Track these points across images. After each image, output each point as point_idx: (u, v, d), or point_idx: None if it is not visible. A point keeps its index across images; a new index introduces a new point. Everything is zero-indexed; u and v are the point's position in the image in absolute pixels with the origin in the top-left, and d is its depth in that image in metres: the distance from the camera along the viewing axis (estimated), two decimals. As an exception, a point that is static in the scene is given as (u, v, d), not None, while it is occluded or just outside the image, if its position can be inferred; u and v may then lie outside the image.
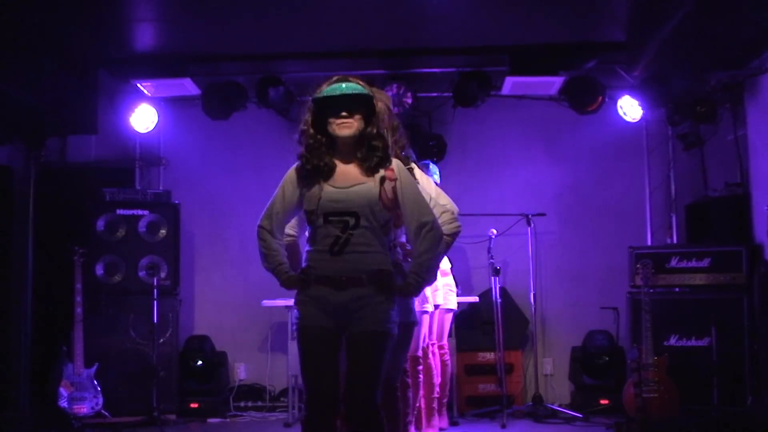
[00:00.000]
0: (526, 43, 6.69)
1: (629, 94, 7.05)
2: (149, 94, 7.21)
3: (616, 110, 7.17)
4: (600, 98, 7.01)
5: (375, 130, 3.34)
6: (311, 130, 3.34)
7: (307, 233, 3.43)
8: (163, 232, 7.02)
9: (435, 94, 7.43)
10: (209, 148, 7.74)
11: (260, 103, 7.16)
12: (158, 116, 7.33)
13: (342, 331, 3.27)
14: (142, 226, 6.98)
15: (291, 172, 3.41)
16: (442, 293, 5.77)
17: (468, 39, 6.66)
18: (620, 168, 7.57)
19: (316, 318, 3.26)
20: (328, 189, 3.28)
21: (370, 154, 3.31)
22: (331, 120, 3.29)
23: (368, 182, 3.29)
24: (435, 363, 5.70)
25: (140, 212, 7.00)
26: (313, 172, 3.30)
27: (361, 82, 3.35)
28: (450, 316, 6.04)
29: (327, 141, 3.33)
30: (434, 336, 5.73)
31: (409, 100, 7.02)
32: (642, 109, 7.05)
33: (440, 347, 5.90)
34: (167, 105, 7.55)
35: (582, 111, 7.15)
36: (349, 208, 3.24)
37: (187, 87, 7.04)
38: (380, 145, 3.34)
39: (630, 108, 7.10)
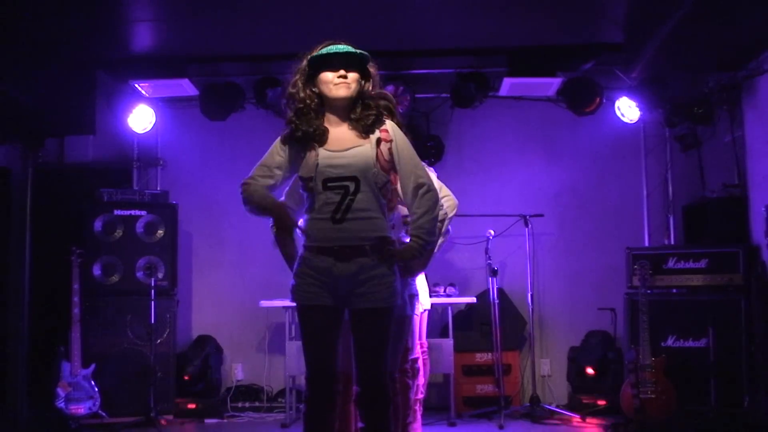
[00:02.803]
0: (524, 45, 6.70)
1: (627, 96, 7.06)
2: (147, 95, 7.21)
3: (614, 111, 7.18)
4: (597, 99, 7.02)
5: (370, 89, 3.31)
6: (303, 92, 3.28)
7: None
8: (160, 232, 7.02)
9: (433, 95, 7.43)
10: (207, 149, 7.75)
11: (258, 104, 7.16)
12: (156, 117, 7.33)
13: (343, 306, 3.25)
14: (139, 226, 6.98)
15: (277, 142, 3.36)
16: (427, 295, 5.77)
17: (466, 40, 6.66)
18: (618, 169, 7.58)
19: (317, 296, 3.22)
20: (324, 153, 3.22)
21: (365, 113, 3.27)
22: (327, 80, 3.24)
23: (364, 144, 3.24)
24: (424, 363, 5.69)
25: (138, 213, 7.00)
26: (305, 137, 3.25)
27: (346, 44, 3.32)
28: (426, 314, 6.04)
29: (316, 105, 3.28)
30: (423, 336, 5.73)
31: (407, 101, 7.02)
32: (639, 110, 7.06)
33: (421, 345, 5.89)
34: (165, 105, 7.56)
35: (580, 112, 7.16)
36: (348, 173, 3.19)
37: (185, 87, 7.04)
38: (374, 103, 3.30)
39: (627, 109, 7.11)
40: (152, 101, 7.30)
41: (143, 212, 7.01)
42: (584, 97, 7.06)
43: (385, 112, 3.33)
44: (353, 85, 3.26)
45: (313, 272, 3.22)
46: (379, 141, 3.26)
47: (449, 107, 7.40)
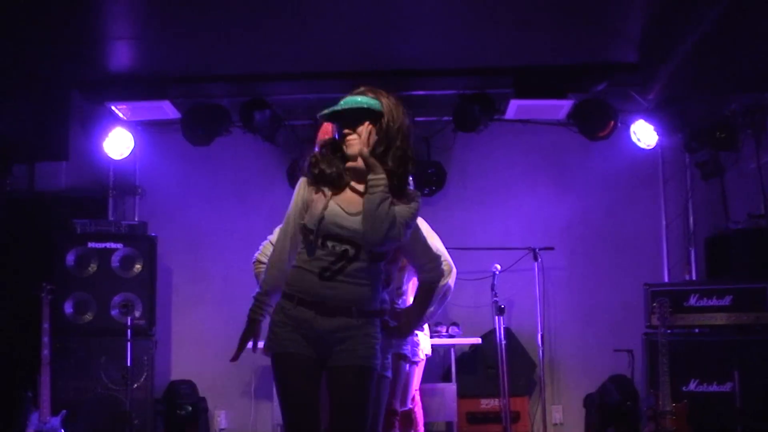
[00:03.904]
0: (532, 64, 6.73)
1: (643, 119, 7.10)
2: (125, 118, 7.22)
3: (629, 136, 7.22)
4: (612, 123, 7.05)
5: (383, 149, 3.18)
6: (328, 139, 3.31)
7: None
8: (138, 267, 7.00)
9: (434, 118, 7.46)
10: (189, 176, 7.76)
11: (245, 128, 7.18)
12: (134, 141, 7.34)
13: (323, 363, 3.21)
14: (115, 260, 6.97)
15: (301, 181, 3.31)
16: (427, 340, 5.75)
17: (469, 59, 6.70)
18: (634, 198, 7.60)
19: (296, 344, 3.18)
20: (334, 208, 3.18)
21: (399, 162, 3.22)
22: (342, 137, 3.24)
23: None
24: (417, 413, 5.67)
25: (113, 245, 6.99)
26: (320, 177, 3.21)
27: (382, 94, 3.25)
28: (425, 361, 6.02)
29: (341, 156, 3.25)
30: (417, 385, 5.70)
31: (406, 125, 7.04)
32: (657, 134, 7.09)
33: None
34: (144, 129, 7.58)
35: (592, 137, 7.19)
36: (352, 238, 3.15)
37: (166, 110, 7.06)
38: (396, 170, 3.20)
39: (644, 134, 7.14)
40: (130, 125, 7.32)
41: (119, 245, 7.00)
42: (597, 121, 7.09)
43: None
44: (363, 136, 3.17)
45: (292, 322, 3.20)
46: None
47: (451, 131, 7.43)
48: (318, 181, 3.22)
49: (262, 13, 5.67)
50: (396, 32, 6.10)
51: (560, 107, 6.99)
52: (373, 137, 3.18)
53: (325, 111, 3.23)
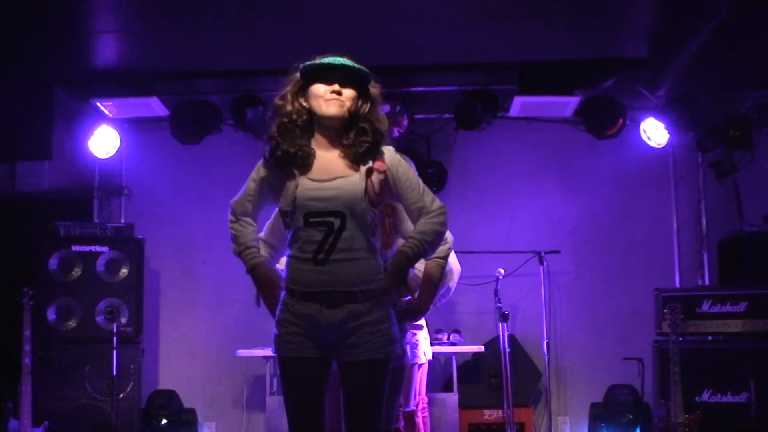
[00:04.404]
0: (538, 59, 6.74)
1: (653, 117, 7.10)
2: (111, 115, 7.22)
3: (639, 134, 7.23)
4: (620, 121, 7.06)
5: (368, 111, 3.25)
6: (291, 105, 3.24)
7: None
8: (124, 271, 7.00)
9: (435, 116, 7.47)
10: (178, 176, 7.76)
11: (237, 126, 7.19)
12: (120, 140, 7.35)
13: (331, 357, 3.22)
14: (100, 264, 6.96)
15: (259, 165, 3.34)
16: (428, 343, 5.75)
17: (472, 54, 6.70)
18: (644, 199, 7.60)
19: (302, 348, 3.18)
20: (305, 183, 3.16)
21: (358, 139, 3.21)
22: (318, 93, 3.20)
23: (352, 175, 3.18)
24: (424, 421, 5.67)
25: (99, 249, 6.98)
26: (284, 159, 3.20)
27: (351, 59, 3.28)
28: (427, 365, 6.03)
29: (304, 122, 3.23)
30: (423, 391, 5.71)
31: (406, 122, 7.05)
32: (668, 133, 7.10)
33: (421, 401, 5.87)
34: (131, 127, 7.58)
35: (600, 135, 7.19)
36: (332, 207, 3.13)
37: (154, 107, 7.06)
38: (370, 128, 3.23)
39: (654, 132, 7.15)
40: (116, 122, 7.32)
41: (105, 248, 6.99)
42: (605, 119, 7.09)
43: (380, 138, 3.29)
44: (347, 104, 3.20)
45: (296, 320, 3.18)
46: (370, 171, 3.20)
47: (453, 129, 7.43)
48: (283, 165, 3.21)
49: (255, 4, 5.67)
50: (395, 25, 6.10)
51: (567, 104, 7.00)
52: (352, 107, 3.23)
53: (323, 61, 3.22)
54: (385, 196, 3.27)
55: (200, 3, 5.65)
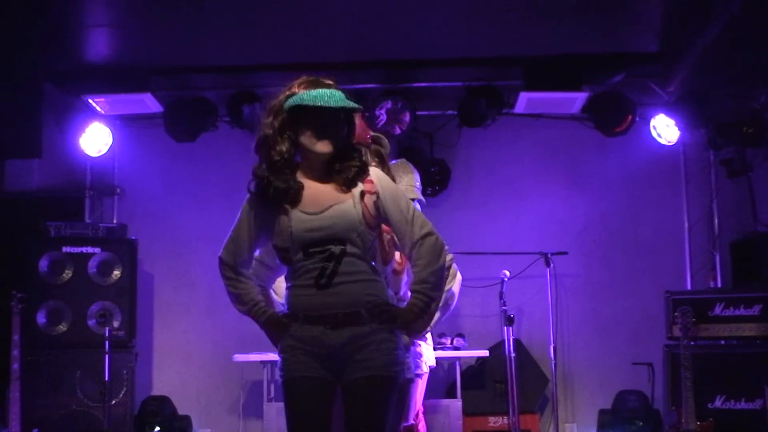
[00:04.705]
0: (544, 54, 6.74)
1: (664, 113, 7.10)
2: (103, 112, 7.22)
3: (649, 132, 7.22)
4: (629, 117, 7.05)
5: (353, 135, 3.30)
6: (280, 142, 3.21)
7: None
8: (117, 273, 6.99)
9: (437, 113, 7.46)
10: (172, 174, 7.75)
11: (233, 122, 7.18)
12: (113, 137, 7.34)
13: (336, 379, 3.20)
14: (92, 266, 6.95)
15: (245, 206, 3.32)
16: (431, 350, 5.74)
17: (476, 49, 6.69)
18: (654, 199, 7.59)
19: (306, 367, 3.17)
20: (299, 216, 3.17)
21: (346, 164, 3.24)
22: (310, 134, 3.19)
23: (346, 200, 3.20)
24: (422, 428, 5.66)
25: (90, 250, 6.97)
26: (276, 196, 3.19)
27: (333, 84, 3.29)
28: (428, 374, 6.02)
29: (291, 156, 3.22)
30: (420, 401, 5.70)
31: (407, 119, 7.04)
32: (679, 130, 7.09)
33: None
34: (123, 124, 7.57)
35: (609, 132, 7.19)
36: (331, 235, 3.15)
37: (148, 103, 7.05)
38: (355, 153, 3.28)
39: (665, 129, 7.14)
40: (109, 119, 7.32)
41: (97, 249, 6.98)
42: (614, 115, 7.09)
43: (375, 159, 3.33)
44: (337, 138, 3.23)
45: (300, 343, 3.19)
46: (363, 194, 3.22)
47: (456, 126, 7.42)
48: (275, 203, 3.22)
49: (251, -2, 5.68)
50: (397, 19, 6.09)
51: (574, 100, 6.99)
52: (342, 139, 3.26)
53: (313, 102, 3.19)
54: (380, 217, 3.28)
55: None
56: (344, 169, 3.23)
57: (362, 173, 3.26)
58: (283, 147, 3.21)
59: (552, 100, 7.01)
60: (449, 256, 4.07)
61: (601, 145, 7.44)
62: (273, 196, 3.20)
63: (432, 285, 3.24)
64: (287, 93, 3.26)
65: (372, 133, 3.36)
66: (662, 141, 7.21)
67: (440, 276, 3.29)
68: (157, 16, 5.95)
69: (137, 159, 7.73)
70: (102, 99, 7.03)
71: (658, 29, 6.26)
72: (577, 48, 6.65)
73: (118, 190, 7.78)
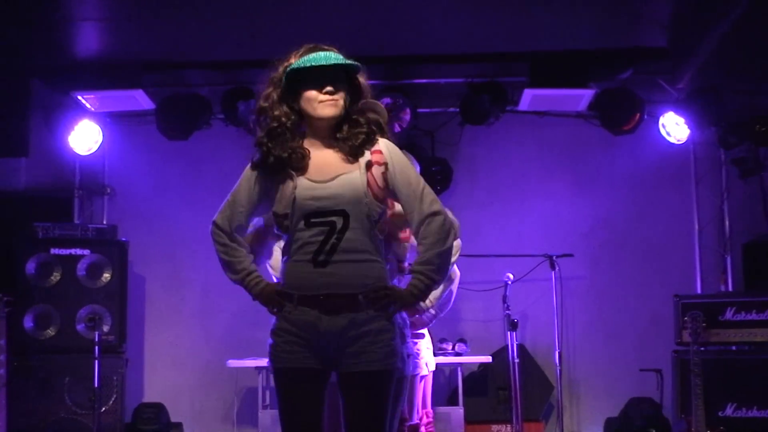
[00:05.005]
0: (549, 50, 6.73)
1: (673, 111, 7.09)
2: (92, 109, 7.21)
3: (658, 130, 7.21)
4: (638, 115, 7.04)
5: (359, 102, 3.28)
6: (278, 109, 3.22)
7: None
8: (106, 276, 6.98)
9: (439, 110, 7.46)
10: (165, 173, 7.75)
11: (227, 120, 7.17)
12: (103, 135, 7.33)
13: (330, 368, 3.20)
14: (81, 268, 6.94)
15: (247, 171, 3.31)
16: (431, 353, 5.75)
17: (479, 44, 6.69)
18: (663, 199, 7.60)
19: (299, 357, 3.16)
20: (303, 183, 3.17)
21: (352, 131, 3.23)
22: (310, 97, 3.19)
23: (352, 170, 3.19)
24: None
25: (79, 252, 6.96)
26: (278, 165, 3.19)
27: (334, 50, 3.28)
28: (431, 377, 6.03)
29: (293, 123, 3.23)
30: (428, 404, 5.70)
31: (408, 117, 7.03)
32: (689, 128, 7.08)
33: (426, 414, 5.87)
34: (114, 122, 7.56)
35: (616, 130, 7.18)
36: (334, 206, 3.14)
37: (139, 100, 7.05)
38: (363, 119, 3.26)
39: (674, 127, 7.13)
40: (99, 116, 7.30)
41: (86, 251, 6.97)
42: (622, 113, 7.08)
43: (375, 128, 3.31)
44: (341, 102, 3.21)
45: (294, 328, 3.16)
46: (369, 164, 3.21)
47: (458, 124, 7.41)
48: (277, 171, 3.21)
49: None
50: (396, 13, 6.09)
51: (580, 97, 6.99)
52: (346, 104, 3.24)
53: (308, 64, 3.19)
54: (388, 189, 3.26)
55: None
56: (350, 137, 3.22)
57: (369, 141, 3.24)
58: (282, 114, 3.21)
59: (557, 97, 7.01)
60: (457, 242, 4.06)
61: (608, 143, 7.44)
62: (273, 164, 3.19)
63: (436, 267, 3.22)
64: (285, 63, 3.27)
65: (365, 100, 3.33)
66: (671, 139, 7.20)
67: (445, 259, 3.26)
68: (149, 9, 5.95)
69: (128, 158, 7.73)
70: (92, 95, 7.02)
71: (667, 24, 6.25)
72: (583, 43, 6.65)
73: (108, 190, 7.77)
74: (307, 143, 3.26)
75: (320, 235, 3.14)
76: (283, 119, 3.21)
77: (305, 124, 3.27)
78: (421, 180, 3.29)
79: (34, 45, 6.39)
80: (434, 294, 4.48)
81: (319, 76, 3.19)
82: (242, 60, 6.88)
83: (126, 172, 7.75)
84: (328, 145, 3.25)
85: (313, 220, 3.15)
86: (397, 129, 6.98)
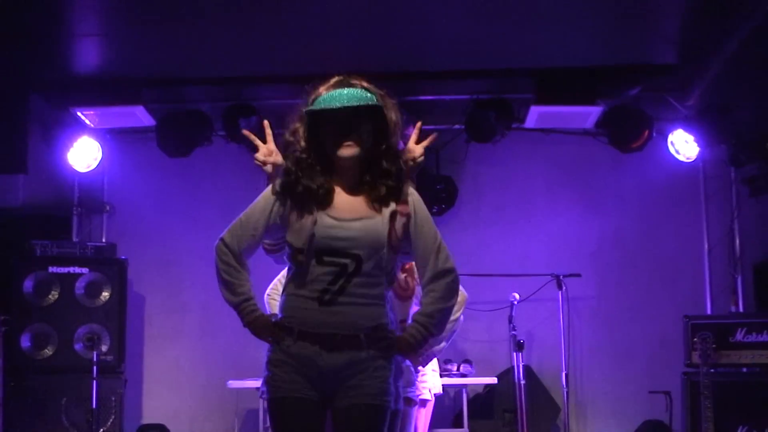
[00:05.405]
0: (556, 66, 6.73)
1: (682, 128, 7.09)
2: (92, 125, 7.22)
3: (667, 147, 7.21)
4: (646, 133, 7.04)
5: (386, 148, 3.22)
6: (306, 145, 3.19)
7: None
8: (105, 294, 6.97)
9: (444, 127, 7.42)
10: (165, 191, 7.75)
11: (228, 137, 7.16)
12: (102, 152, 7.33)
13: (327, 403, 3.17)
14: (79, 287, 6.93)
15: (267, 194, 3.26)
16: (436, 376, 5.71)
17: (485, 60, 6.69)
18: (672, 218, 7.59)
19: (297, 387, 3.14)
20: (325, 220, 3.14)
21: (380, 180, 3.19)
22: (328, 137, 3.16)
23: (376, 217, 3.17)
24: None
25: (78, 270, 6.96)
26: (305, 195, 3.16)
27: (365, 84, 3.24)
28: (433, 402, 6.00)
29: (322, 159, 3.20)
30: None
31: (408, 137, 7.02)
32: (698, 146, 7.07)
33: None
34: (113, 138, 7.56)
35: (624, 148, 7.17)
36: (350, 248, 3.12)
37: (139, 116, 7.05)
38: (393, 168, 3.22)
39: (683, 145, 7.12)
40: (98, 133, 7.31)
41: (84, 270, 6.97)
42: (630, 130, 7.08)
43: (401, 180, 3.23)
44: (360, 142, 3.17)
45: (292, 361, 3.15)
46: (393, 215, 3.19)
47: (464, 141, 7.41)
48: (302, 202, 3.18)
49: (248, 7, 5.66)
50: (400, 28, 6.09)
51: (588, 115, 6.98)
52: (368, 143, 3.20)
53: (319, 107, 3.16)
54: (405, 240, 3.24)
55: (190, 5, 5.63)
56: (375, 187, 3.20)
57: (395, 195, 3.21)
58: (307, 147, 3.19)
59: (564, 115, 7.00)
60: (462, 295, 4.07)
61: (617, 161, 7.43)
62: (301, 194, 3.17)
63: (436, 322, 3.24)
64: (313, 96, 3.23)
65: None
66: (681, 157, 7.19)
67: (446, 316, 3.28)
68: (150, 25, 5.95)
69: (128, 175, 7.73)
70: (91, 112, 7.03)
71: (676, 40, 6.26)
72: (591, 60, 6.65)
73: (108, 208, 7.77)
74: (334, 182, 3.22)
75: (330, 275, 3.12)
76: (312, 152, 3.19)
77: (333, 164, 3.22)
78: (439, 234, 3.28)
79: (33, 60, 6.40)
80: (438, 346, 4.49)
81: (335, 116, 3.16)
82: (243, 76, 6.89)
83: (125, 189, 7.75)
84: (354, 186, 3.22)
85: (325, 258, 3.13)
86: (401, 146, 6.96)
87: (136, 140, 7.57)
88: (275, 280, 4.36)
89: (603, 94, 6.83)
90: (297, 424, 3.16)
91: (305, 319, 3.14)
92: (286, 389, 3.15)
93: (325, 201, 3.17)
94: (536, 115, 6.98)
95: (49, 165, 7.31)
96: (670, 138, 7.17)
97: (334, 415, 3.17)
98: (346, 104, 3.13)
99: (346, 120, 3.15)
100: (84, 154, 7.27)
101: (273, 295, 4.35)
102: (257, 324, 3.23)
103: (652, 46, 6.46)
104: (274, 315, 3.26)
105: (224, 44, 6.30)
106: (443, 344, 4.59)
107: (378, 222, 3.16)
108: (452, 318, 3.88)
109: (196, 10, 5.71)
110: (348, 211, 3.17)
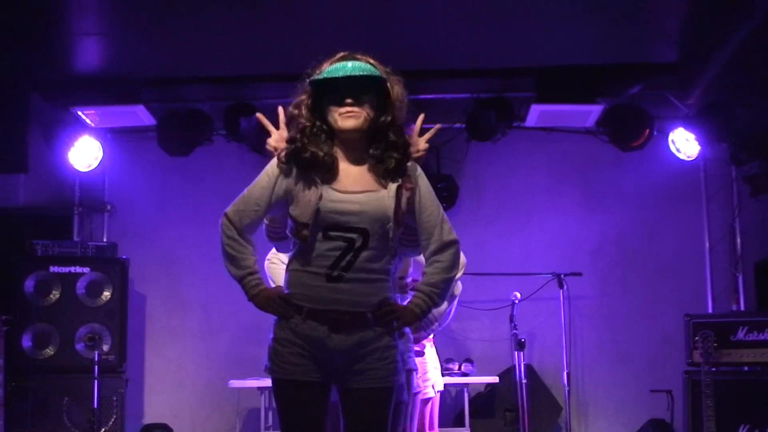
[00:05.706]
0: (557, 64, 6.74)
1: (683, 127, 7.08)
2: (92, 125, 7.23)
3: (667, 146, 7.21)
4: (647, 131, 7.05)
5: (390, 119, 3.21)
6: (309, 118, 3.19)
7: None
8: (106, 294, 6.98)
9: (444, 125, 7.42)
10: (166, 190, 7.76)
11: (229, 136, 7.18)
12: (103, 152, 7.34)
13: (331, 380, 3.20)
14: (80, 287, 6.94)
15: (271, 169, 3.26)
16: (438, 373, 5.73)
17: (486, 59, 6.70)
18: (673, 217, 7.60)
19: (306, 369, 3.15)
20: (330, 194, 3.13)
21: (387, 154, 3.19)
22: (332, 108, 3.17)
23: (382, 191, 3.17)
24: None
25: (79, 270, 6.96)
26: (310, 163, 3.15)
27: (372, 61, 3.25)
28: (438, 398, 6.00)
29: (326, 131, 3.20)
30: (435, 425, 5.67)
31: (412, 133, 7.03)
32: (699, 144, 7.07)
33: None
34: (114, 138, 7.58)
35: (625, 147, 7.18)
36: (357, 222, 3.12)
37: (140, 116, 7.06)
38: (400, 141, 3.22)
39: (684, 143, 7.13)
40: (99, 132, 7.32)
41: (86, 269, 6.97)
42: (630, 129, 7.09)
43: (407, 154, 3.26)
44: (365, 113, 3.17)
45: (299, 340, 3.15)
46: (399, 189, 3.19)
47: (464, 140, 7.42)
48: (306, 170, 3.17)
49: (249, 6, 5.67)
50: (400, 27, 6.10)
51: (588, 113, 6.99)
52: (371, 115, 3.19)
53: (323, 76, 3.17)
54: (409, 213, 3.26)
55: (190, 4, 5.64)
56: (382, 159, 3.19)
57: (401, 169, 3.22)
58: (312, 123, 3.19)
59: (565, 113, 7.01)
60: (462, 259, 4.08)
61: (617, 160, 7.43)
62: (308, 159, 3.15)
63: (440, 291, 3.25)
64: (317, 70, 3.23)
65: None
66: (681, 156, 7.20)
67: (449, 286, 3.30)
68: (150, 24, 5.96)
69: (128, 174, 7.74)
70: (92, 111, 7.04)
71: (677, 38, 6.26)
72: (591, 58, 6.65)
73: (109, 207, 7.78)
74: (337, 153, 3.22)
75: (337, 250, 3.12)
76: (317, 122, 3.20)
77: (336, 138, 3.23)
78: (441, 207, 3.32)
79: (33, 60, 6.41)
80: (438, 310, 4.48)
81: (341, 87, 3.17)
82: (244, 75, 6.90)
83: (126, 188, 7.76)
84: (360, 159, 3.22)
85: (331, 233, 3.13)
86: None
87: (136, 139, 7.58)
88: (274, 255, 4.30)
89: (604, 93, 6.84)
90: (301, 409, 3.18)
91: (314, 297, 3.14)
92: (291, 371, 3.15)
93: (329, 172, 3.16)
94: (537, 113, 6.99)
95: (49, 165, 7.32)
96: (671, 136, 7.18)
97: (342, 398, 3.19)
98: (350, 74, 3.14)
99: (349, 91, 3.15)
100: (85, 154, 7.28)
101: (273, 259, 4.29)
102: (261, 297, 3.22)
103: (652, 45, 6.47)
104: (279, 287, 3.25)
105: (224, 43, 6.30)
106: (444, 305, 4.58)
107: (384, 196, 3.16)
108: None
109: (197, 10, 5.72)
110: (353, 183, 3.17)
